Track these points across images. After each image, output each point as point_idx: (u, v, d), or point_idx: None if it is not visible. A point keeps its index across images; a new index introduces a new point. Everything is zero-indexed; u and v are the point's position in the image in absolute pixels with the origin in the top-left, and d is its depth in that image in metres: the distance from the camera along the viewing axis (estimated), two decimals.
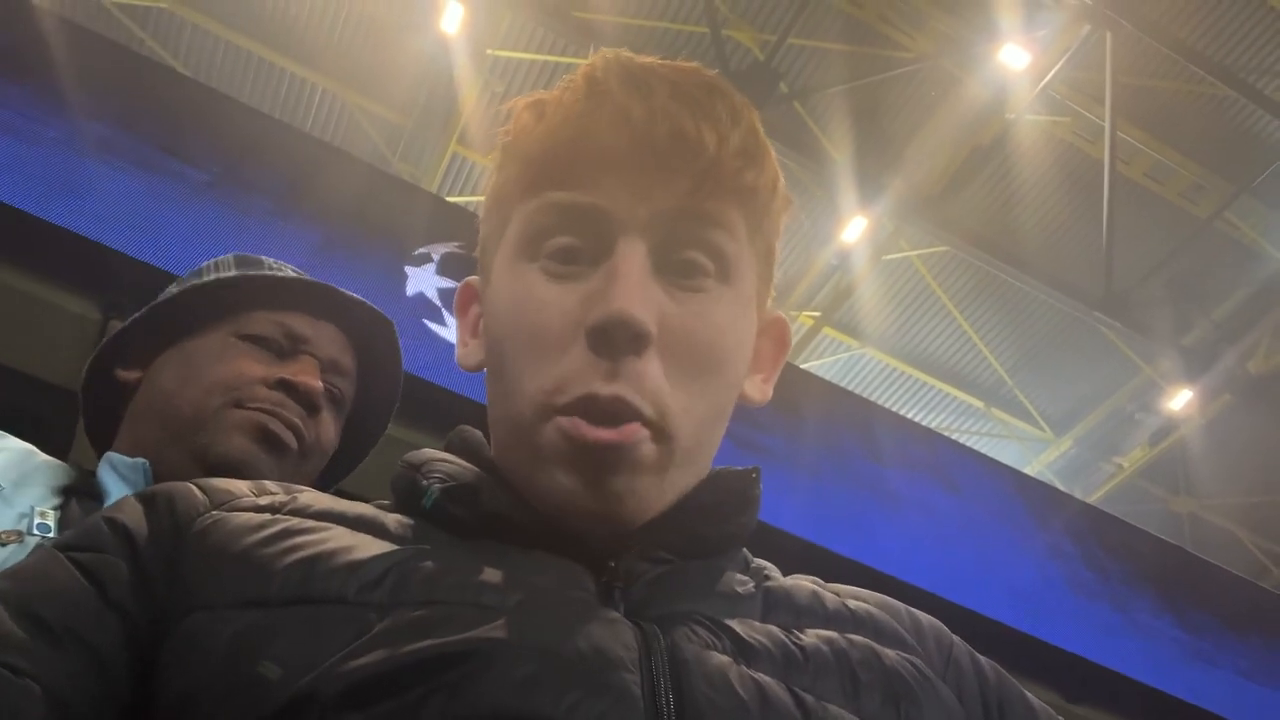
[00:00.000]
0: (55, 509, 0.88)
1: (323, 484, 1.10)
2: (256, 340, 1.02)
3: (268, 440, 0.96)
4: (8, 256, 2.49)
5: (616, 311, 0.56)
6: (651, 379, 0.57)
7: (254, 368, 0.99)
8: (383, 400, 1.13)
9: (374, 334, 1.11)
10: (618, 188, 0.59)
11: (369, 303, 1.10)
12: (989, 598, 3.43)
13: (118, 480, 0.92)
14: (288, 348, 1.03)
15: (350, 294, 1.09)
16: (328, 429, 1.03)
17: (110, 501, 0.89)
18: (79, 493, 0.92)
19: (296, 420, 0.98)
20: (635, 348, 0.57)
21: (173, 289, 1.07)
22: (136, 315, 1.05)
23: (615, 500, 0.57)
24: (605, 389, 0.56)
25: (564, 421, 0.56)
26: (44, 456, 0.96)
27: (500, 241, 0.64)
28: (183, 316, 1.03)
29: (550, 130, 0.61)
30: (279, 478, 0.91)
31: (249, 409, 0.97)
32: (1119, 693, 3.52)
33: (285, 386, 0.98)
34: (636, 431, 0.56)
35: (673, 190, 0.59)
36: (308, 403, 0.99)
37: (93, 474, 0.96)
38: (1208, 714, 3.59)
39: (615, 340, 0.56)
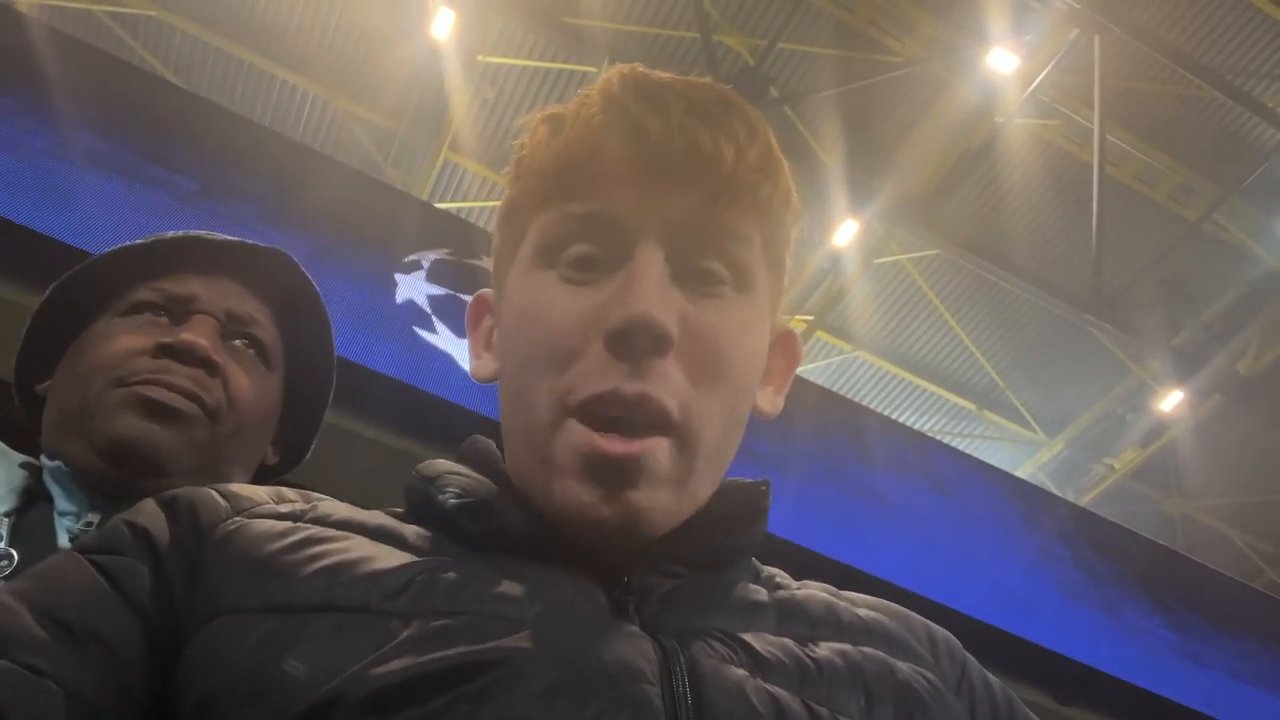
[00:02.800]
0: (8, 514, 0.86)
1: (295, 435, 1.08)
2: (137, 313, 0.97)
3: (154, 411, 0.90)
4: None
5: (638, 314, 0.56)
6: (676, 380, 0.57)
7: (133, 341, 0.94)
8: (317, 332, 1.07)
9: (276, 269, 1.04)
10: (634, 200, 0.59)
11: (250, 241, 1.03)
12: (980, 600, 3.44)
13: (54, 484, 0.91)
14: (177, 312, 0.98)
15: (227, 237, 1.02)
16: (240, 382, 0.97)
17: (57, 505, 0.89)
18: (41, 495, 0.91)
19: (185, 383, 0.92)
20: (657, 350, 0.56)
21: (48, 291, 1.02)
22: (26, 328, 1.02)
23: (634, 514, 0.56)
24: (630, 386, 0.56)
25: (577, 432, 0.56)
26: (14, 455, 0.94)
27: (515, 254, 0.64)
28: (72, 314, 1.00)
29: (566, 144, 0.61)
30: (192, 446, 0.91)
31: (130, 384, 0.91)
32: (1111, 694, 3.53)
33: (168, 351, 0.93)
34: (655, 445, 0.56)
35: (689, 202, 0.59)
36: (198, 361, 0.93)
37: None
38: (1200, 715, 3.60)
39: (636, 343, 0.56)
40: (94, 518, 0.89)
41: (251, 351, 1.00)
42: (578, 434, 0.56)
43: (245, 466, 1.00)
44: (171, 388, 0.92)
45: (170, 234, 1.02)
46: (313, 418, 1.09)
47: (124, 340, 0.95)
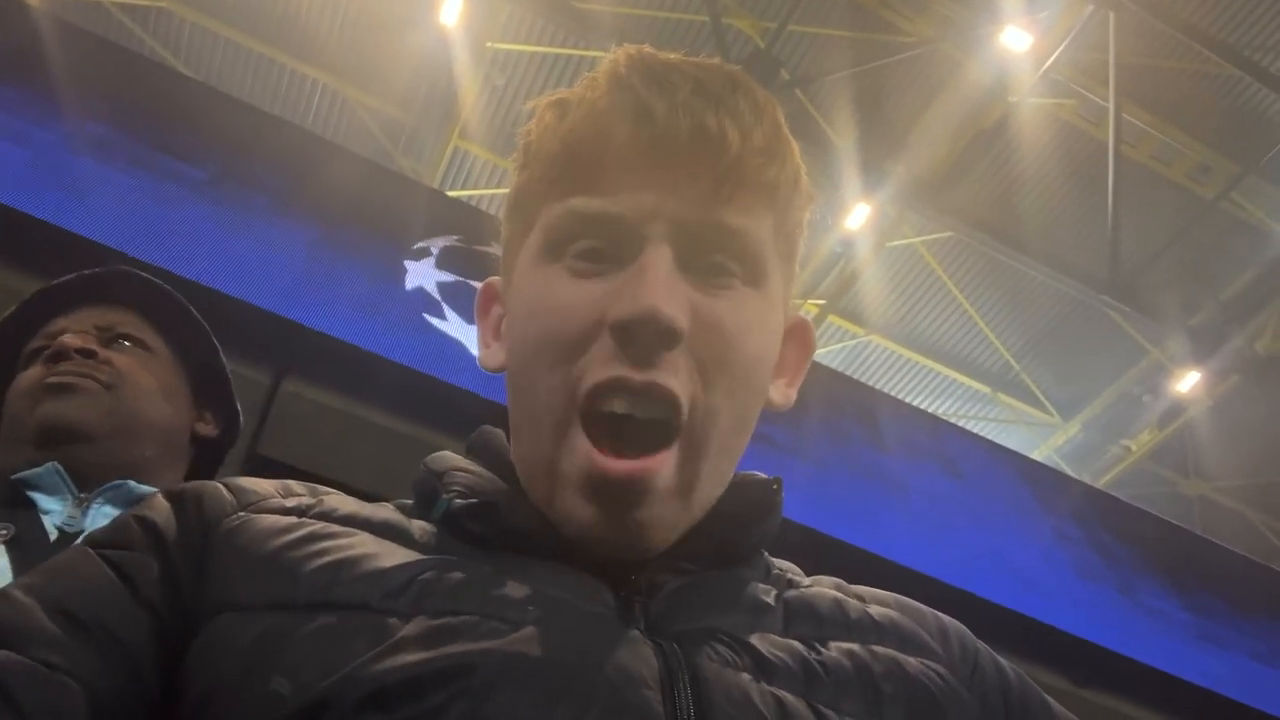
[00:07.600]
0: None
1: (220, 405, 1.29)
2: (32, 360, 1.20)
3: (56, 391, 1.14)
4: (3, 257, 2.50)
5: (646, 308, 0.55)
6: (685, 373, 0.57)
7: (30, 373, 1.17)
8: (175, 311, 1.28)
9: (123, 284, 1.26)
10: (641, 189, 0.58)
11: (88, 271, 1.26)
12: (996, 583, 3.43)
13: (34, 492, 1.07)
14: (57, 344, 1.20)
15: (70, 277, 1.26)
16: (123, 360, 1.19)
17: (41, 505, 1.06)
18: (23, 503, 1.06)
19: (74, 368, 1.15)
20: (666, 343, 0.56)
21: None
22: None
23: (637, 531, 0.56)
24: (638, 375, 0.55)
25: (582, 448, 0.56)
26: None
27: (524, 242, 0.63)
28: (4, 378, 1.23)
29: (572, 128, 0.60)
30: (100, 412, 1.13)
31: (36, 393, 1.15)
32: (1128, 676, 3.52)
33: (51, 358, 1.17)
34: (659, 462, 0.56)
35: (696, 189, 0.58)
36: (77, 352, 1.16)
37: (15, 484, 1.09)
38: (1218, 696, 3.59)
39: (643, 337, 0.55)
40: (75, 513, 1.07)
41: (128, 343, 1.21)
42: (582, 451, 0.56)
43: (165, 428, 1.20)
44: (64, 373, 1.14)
45: (27, 295, 1.25)
46: (221, 383, 1.29)
47: (29, 375, 1.17)
